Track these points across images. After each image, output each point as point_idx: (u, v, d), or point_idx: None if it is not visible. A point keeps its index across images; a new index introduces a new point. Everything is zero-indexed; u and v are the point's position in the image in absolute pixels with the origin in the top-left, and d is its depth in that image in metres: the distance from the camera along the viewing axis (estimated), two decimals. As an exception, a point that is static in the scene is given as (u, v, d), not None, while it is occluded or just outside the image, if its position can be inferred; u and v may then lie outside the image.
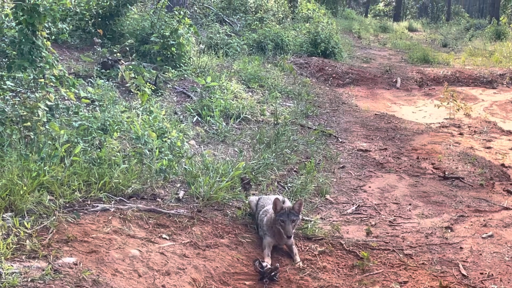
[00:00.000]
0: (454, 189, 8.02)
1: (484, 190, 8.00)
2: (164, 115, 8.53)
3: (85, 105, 8.13)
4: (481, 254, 5.88)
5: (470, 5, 67.99)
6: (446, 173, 8.57)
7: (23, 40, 7.01)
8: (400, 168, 8.86)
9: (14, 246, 4.56)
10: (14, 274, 4.14)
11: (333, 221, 6.70)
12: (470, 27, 37.88)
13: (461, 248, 6.03)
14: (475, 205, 7.40)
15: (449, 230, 6.50)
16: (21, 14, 6.98)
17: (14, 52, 7.55)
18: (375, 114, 12.87)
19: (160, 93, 10.43)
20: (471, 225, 6.67)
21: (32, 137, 6.35)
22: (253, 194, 6.88)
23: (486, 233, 6.38)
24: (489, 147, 10.22)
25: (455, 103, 13.14)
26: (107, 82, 9.86)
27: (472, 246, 6.07)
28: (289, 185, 7.58)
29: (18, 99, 6.79)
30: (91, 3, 13.87)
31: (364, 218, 6.89)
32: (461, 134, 11.20)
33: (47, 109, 6.74)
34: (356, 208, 7.21)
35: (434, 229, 6.53)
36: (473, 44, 26.78)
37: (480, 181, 8.29)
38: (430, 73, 18.22)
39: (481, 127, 11.76)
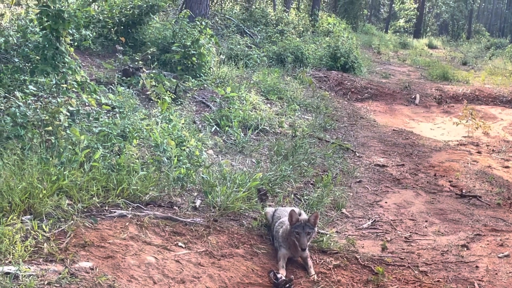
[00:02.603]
0: (471, 208, 7.97)
1: (501, 210, 7.95)
2: (183, 123, 8.59)
3: (105, 111, 8.20)
4: (497, 274, 5.83)
5: (491, 24, 67.82)
6: (463, 191, 8.53)
7: (47, 45, 7.10)
8: (417, 185, 8.83)
9: (32, 249, 4.61)
10: (31, 276, 4.18)
11: (349, 235, 6.69)
12: (490, 46, 37.77)
13: (477, 267, 5.99)
14: (491, 224, 7.35)
15: (465, 249, 6.46)
16: (45, 19, 7.06)
17: (37, 57, 7.65)
18: (393, 130, 12.84)
19: (179, 102, 10.50)
20: (488, 244, 6.62)
21: (53, 141, 6.40)
22: (270, 206, 6.89)
23: (503, 253, 6.33)
24: (507, 167, 10.16)
25: (473, 121, 13.10)
26: (127, 90, 9.94)
27: (488, 265, 6.02)
28: (305, 197, 7.58)
29: (40, 103, 6.85)
30: (114, 11, 14.03)
31: (380, 233, 6.87)
32: (479, 152, 11.14)
33: (68, 114, 6.80)
34: (372, 223, 7.20)
35: (450, 247, 6.49)
36: (493, 63, 26.65)
37: (498, 200, 8.24)
38: (449, 91, 18.16)
39: (500, 146, 11.70)
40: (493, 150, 11.38)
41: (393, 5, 60.36)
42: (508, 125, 14.24)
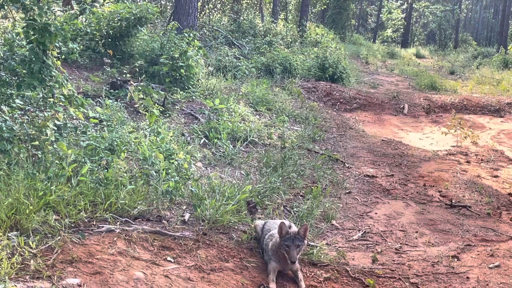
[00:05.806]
0: (461, 218, 7.96)
1: (491, 219, 7.94)
2: (171, 136, 8.54)
3: (93, 125, 8.15)
4: (487, 285, 5.81)
5: (478, 33, 68.35)
6: (453, 201, 8.52)
7: (34, 59, 7.03)
8: (407, 195, 8.82)
9: (19, 266, 4.53)
10: (18, 294, 4.12)
11: (339, 247, 6.66)
12: (477, 55, 38.03)
13: (467, 277, 5.97)
14: (482, 234, 7.34)
15: (456, 259, 6.44)
16: (32, 33, 7.00)
17: (24, 71, 7.59)
18: (382, 140, 12.85)
19: (168, 115, 10.46)
20: (478, 254, 6.61)
21: (40, 156, 6.34)
22: (259, 218, 6.85)
23: (493, 263, 6.31)
24: (496, 176, 10.17)
25: (462, 131, 13.13)
26: (115, 102, 9.90)
27: (479, 276, 6.00)
28: (295, 209, 7.54)
29: (27, 117, 6.80)
30: (101, 23, 14.00)
31: (370, 245, 6.85)
32: (468, 162, 11.15)
33: (55, 128, 6.74)
34: (362, 234, 7.17)
35: (441, 258, 6.47)
36: (480, 72, 26.82)
37: (487, 210, 8.23)
38: (438, 100, 18.24)
39: (488, 155, 11.72)
40: (482, 160, 11.40)
41: (380, 15, 60.69)
42: (496, 134, 14.30)
